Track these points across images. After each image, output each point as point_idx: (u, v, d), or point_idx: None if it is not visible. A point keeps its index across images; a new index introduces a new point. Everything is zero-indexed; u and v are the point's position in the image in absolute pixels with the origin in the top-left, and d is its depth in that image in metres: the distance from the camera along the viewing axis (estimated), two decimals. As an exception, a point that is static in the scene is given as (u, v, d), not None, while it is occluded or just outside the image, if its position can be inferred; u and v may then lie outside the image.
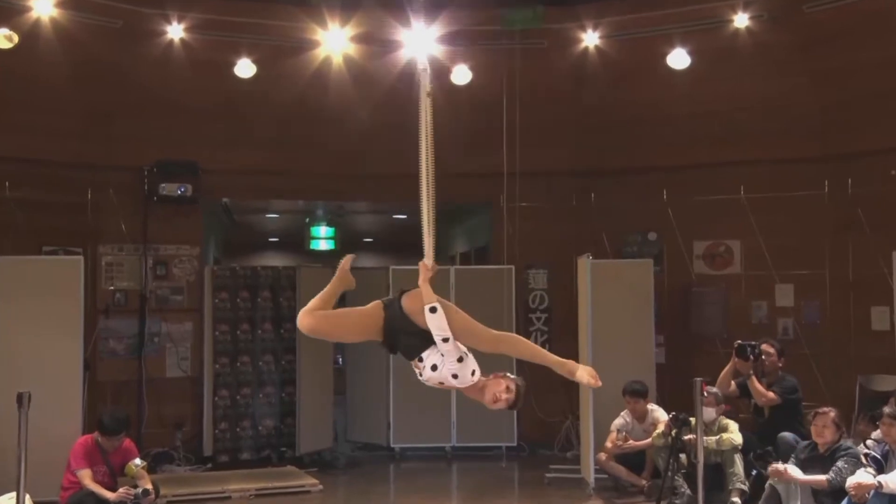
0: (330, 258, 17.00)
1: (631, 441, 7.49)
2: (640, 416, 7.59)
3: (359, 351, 9.69)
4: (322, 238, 16.39)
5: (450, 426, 9.33)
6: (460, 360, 3.68)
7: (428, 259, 3.78)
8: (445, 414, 9.26)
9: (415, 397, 9.02)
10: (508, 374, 3.80)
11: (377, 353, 9.23)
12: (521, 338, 3.74)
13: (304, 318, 3.78)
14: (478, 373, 3.74)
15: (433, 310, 3.63)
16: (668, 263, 9.52)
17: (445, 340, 3.65)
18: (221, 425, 9.05)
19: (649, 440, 7.31)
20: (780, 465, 6.12)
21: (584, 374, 3.69)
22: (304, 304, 3.85)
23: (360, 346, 9.58)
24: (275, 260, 17.41)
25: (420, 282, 3.73)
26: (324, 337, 4.00)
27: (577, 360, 8.29)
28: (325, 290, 3.93)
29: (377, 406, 9.53)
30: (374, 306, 3.84)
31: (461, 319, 3.71)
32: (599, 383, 3.70)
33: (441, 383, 3.76)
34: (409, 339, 3.74)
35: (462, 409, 9.20)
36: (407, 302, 3.76)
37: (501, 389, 3.72)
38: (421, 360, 3.72)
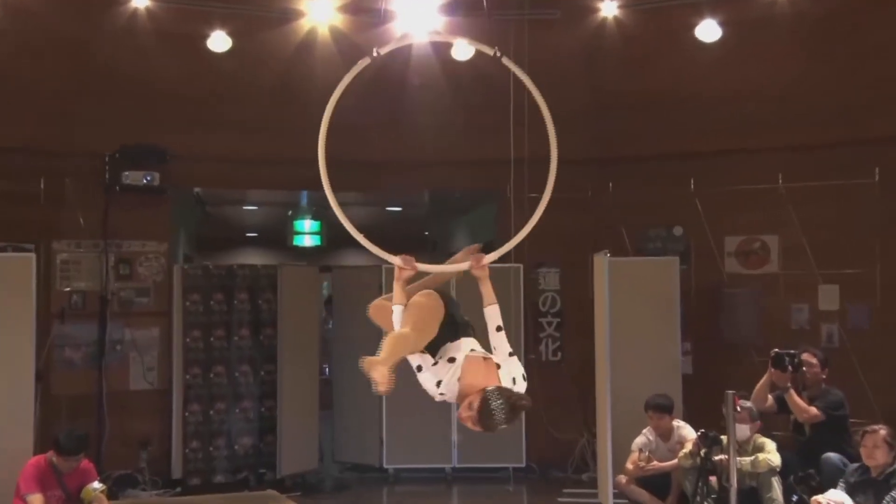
0: (315, 255, 17.04)
1: (654, 462, 7.46)
2: (665, 434, 7.55)
3: (347, 361, 9.63)
4: (306, 233, 16.36)
5: (450, 445, 9.30)
6: (419, 369, 3.73)
7: (395, 258, 3.89)
8: (445, 431, 9.23)
9: (411, 412, 8.95)
10: (489, 388, 3.62)
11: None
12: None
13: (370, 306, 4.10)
14: (447, 385, 3.71)
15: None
16: (696, 261, 9.48)
17: None
18: (192, 444, 9.00)
19: (675, 461, 7.27)
20: (823, 500, 6.03)
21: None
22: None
23: (348, 356, 9.55)
24: (253, 258, 17.41)
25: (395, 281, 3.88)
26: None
27: (593, 370, 8.25)
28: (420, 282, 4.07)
29: (368, 422, 9.49)
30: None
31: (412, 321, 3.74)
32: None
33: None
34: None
35: (464, 426, 9.11)
36: None
37: (464, 406, 3.67)
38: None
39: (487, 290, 3.88)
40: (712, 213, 9.30)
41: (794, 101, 8.90)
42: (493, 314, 3.84)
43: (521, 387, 3.75)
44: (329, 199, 4.04)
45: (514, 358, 3.80)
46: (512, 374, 3.74)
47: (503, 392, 3.60)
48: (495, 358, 3.76)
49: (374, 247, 4.00)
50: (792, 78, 8.83)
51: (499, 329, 3.82)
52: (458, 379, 3.69)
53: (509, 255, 9.13)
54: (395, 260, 3.89)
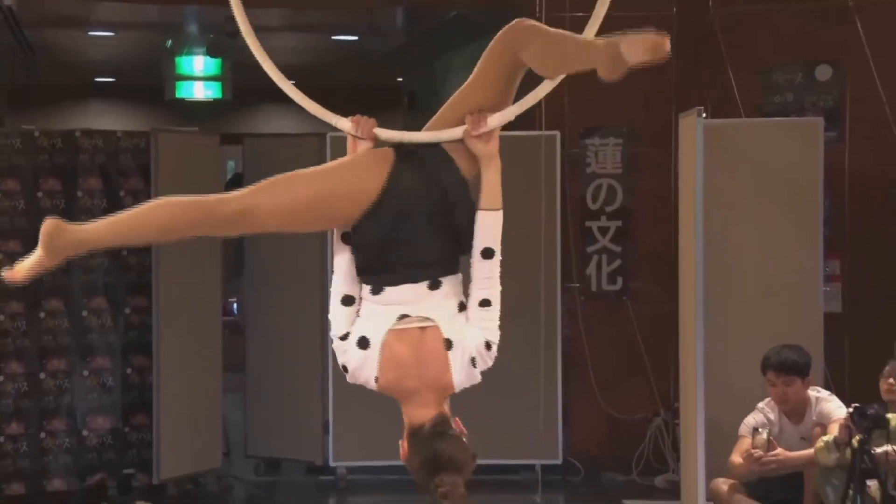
0: (214, 116, 16.93)
1: (779, 450, 7.51)
2: (796, 411, 7.61)
3: (270, 294, 9.70)
4: (198, 78, 16.27)
5: (438, 430, 9.38)
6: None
7: (343, 121, 3.96)
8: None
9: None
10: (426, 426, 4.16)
11: (303, 298, 9.25)
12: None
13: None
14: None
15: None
16: (854, 126, 9.45)
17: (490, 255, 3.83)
18: (10, 428, 9.10)
19: (810, 451, 7.36)
20: None
21: (632, 45, 3.48)
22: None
23: (271, 285, 9.61)
24: (109, 119, 17.38)
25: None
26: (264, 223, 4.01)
27: (675, 307, 8.29)
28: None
29: (304, 396, 9.63)
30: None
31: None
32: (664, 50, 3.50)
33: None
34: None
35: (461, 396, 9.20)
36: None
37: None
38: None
39: (490, 180, 3.84)
40: (885, 41, 9.23)
41: None
42: (487, 226, 3.84)
43: (484, 361, 3.98)
44: (239, 21, 4.01)
45: (491, 308, 3.88)
46: (474, 345, 3.91)
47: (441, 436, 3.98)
48: (454, 319, 3.87)
49: (311, 103, 4.02)
50: None
51: (487, 254, 3.84)
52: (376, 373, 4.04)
53: (534, 116, 9.24)
54: (344, 124, 3.97)
